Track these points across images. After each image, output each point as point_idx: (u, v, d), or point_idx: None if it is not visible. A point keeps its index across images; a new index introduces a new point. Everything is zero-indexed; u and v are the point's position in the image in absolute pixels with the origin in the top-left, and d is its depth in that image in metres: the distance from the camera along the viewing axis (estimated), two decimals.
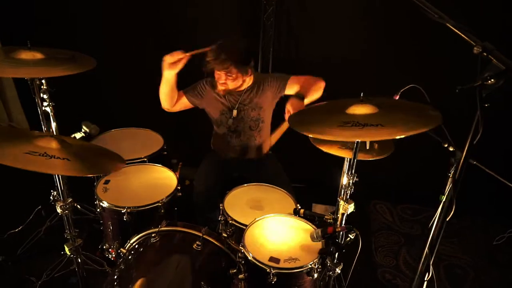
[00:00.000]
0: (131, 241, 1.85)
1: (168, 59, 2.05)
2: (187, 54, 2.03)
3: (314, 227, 1.71)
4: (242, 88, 2.25)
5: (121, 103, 3.25)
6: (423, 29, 2.38)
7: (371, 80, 2.79)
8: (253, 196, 2.08)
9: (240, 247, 1.61)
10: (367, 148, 1.76)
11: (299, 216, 1.88)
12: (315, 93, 2.15)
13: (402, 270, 2.48)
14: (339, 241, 1.50)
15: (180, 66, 2.06)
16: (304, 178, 3.19)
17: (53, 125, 2.06)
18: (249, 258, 1.55)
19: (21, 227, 2.53)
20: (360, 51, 2.81)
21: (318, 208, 3.06)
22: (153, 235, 1.74)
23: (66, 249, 1.70)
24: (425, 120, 1.32)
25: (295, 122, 1.45)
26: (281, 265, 1.50)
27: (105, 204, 1.96)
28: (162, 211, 2.01)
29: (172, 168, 2.51)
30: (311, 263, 1.50)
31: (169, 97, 2.24)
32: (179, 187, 2.11)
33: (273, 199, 2.07)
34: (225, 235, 1.94)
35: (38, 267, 2.30)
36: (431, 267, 1.57)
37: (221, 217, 2.01)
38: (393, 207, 3.09)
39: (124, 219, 1.93)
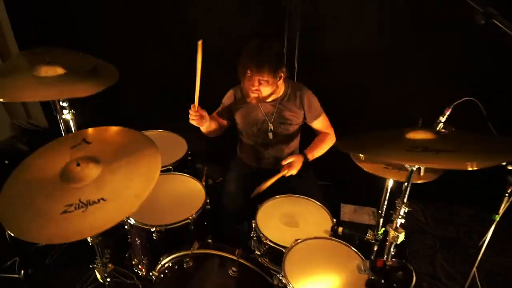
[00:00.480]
0: (162, 263, 1.77)
1: (193, 119, 1.94)
2: (196, 104, 1.89)
3: (359, 254, 1.60)
4: (275, 97, 2.11)
5: (137, 105, 3.16)
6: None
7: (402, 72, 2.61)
8: (286, 210, 1.98)
9: (281, 277, 1.51)
10: (421, 174, 1.61)
11: (338, 235, 1.78)
12: (322, 152, 2.22)
13: (440, 277, 2.37)
14: (389, 275, 1.38)
15: (205, 116, 1.96)
16: (331, 176, 3.08)
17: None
18: None
19: None
20: (394, 46, 2.61)
21: (347, 209, 2.95)
22: (186, 259, 1.65)
23: (98, 275, 1.63)
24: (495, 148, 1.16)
25: (355, 146, 1.28)
26: None
27: (132, 221, 1.88)
28: (192, 227, 1.93)
29: (197, 173, 2.43)
30: None
31: (215, 133, 2.21)
32: (208, 200, 2.01)
33: (307, 213, 1.96)
34: (259, 253, 1.86)
35: (68, 278, 2.27)
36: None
37: (253, 233, 1.92)
38: (426, 208, 2.96)
39: (154, 237, 1.86)
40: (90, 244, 1.52)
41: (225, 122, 2.24)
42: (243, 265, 1.67)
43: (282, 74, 2.00)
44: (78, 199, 1.27)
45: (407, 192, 1.34)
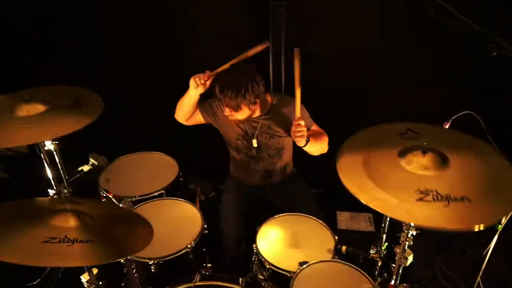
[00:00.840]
0: None
1: (195, 80, 1.92)
2: (213, 73, 1.94)
3: (367, 277, 1.57)
4: (257, 115, 2.06)
5: (125, 126, 3.06)
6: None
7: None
8: (286, 230, 1.93)
9: None
10: None
11: (342, 254, 1.75)
12: (319, 145, 2.04)
13: (441, 281, 2.38)
14: None
15: (206, 86, 1.94)
16: (322, 183, 3.05)
17: (60, 168, 1.92)
18: None
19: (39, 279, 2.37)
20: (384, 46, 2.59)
21: (343, 217, 2.92)
22: None
23: None
24: None
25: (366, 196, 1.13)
26: None
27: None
28: (191, 256, 1.86)
29: (191, 194, 2.37)
30: None
31: (187, 112, 2.11)
32: (205, 225, 1.95)
33: (308, 233, 1.92)
34: (261, 277, 1.81)
35: None
36: None
37: (255, 257, 1.87)
38: None
39: (152, 269, 1.79)
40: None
41: (199, 116, 2.17)
42: None
43: (256, 99, 1.93)
44: (64, 235, 1.20)
45: None
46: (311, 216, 1.99)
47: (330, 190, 3.08)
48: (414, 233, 1.34)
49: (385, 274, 1.77)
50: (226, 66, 1.92)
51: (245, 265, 2.03)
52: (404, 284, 1.34)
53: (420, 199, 1.03)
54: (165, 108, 2.46)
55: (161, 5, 2.72)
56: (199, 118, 2.18)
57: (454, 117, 1.44)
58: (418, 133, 1.28)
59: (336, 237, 1.86)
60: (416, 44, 2.45)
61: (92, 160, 2.18)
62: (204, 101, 2.14)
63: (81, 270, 1.48)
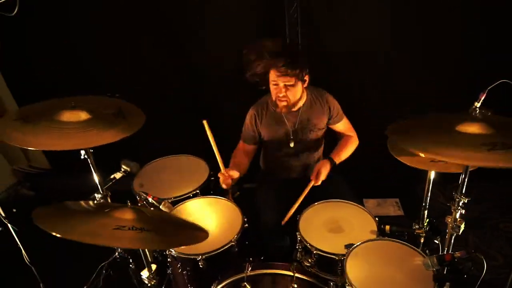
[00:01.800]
0: None
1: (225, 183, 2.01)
2: (222, 169, 2.01)
3: (417, 250, 1.59)
4: (300, 104, 2.10)
5: (150, 132, 3.09)
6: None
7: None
8: (327, 216, 1.96)
9: (347, 286, 1.50)
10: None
11: (386, 233, 1.78)
12: (348, 154, 2.21)
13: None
14: (459, 267, 1.38)
15: (235, 174, 2.03)
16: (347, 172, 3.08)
17: (96, 178, 1.95)
18: None
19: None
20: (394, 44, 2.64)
21: (370, 204, 2.96)
22: (242, 284, 1.61)
23: None
24: None
25: (418, 146, 1.24)
26: None
27: (174, 253, 1.83)
28: (236, 249, 1.89)
29: (224, 192, 2.39)
30: None
31: (246, 167, 2.23)
32: (245, 219, 1.98)
33: (349, 217, 1.95)
34: (308, 264, 1.84)
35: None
36: None
37: (298, 245, 1.90)
38: (444, 189, 2.98)
39: (200, 265, 1.81)
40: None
41: (252, 147, 2.23)
42: (300, 279, 1.64)
43: (307, 76, 1.98)
44: (132, 225, 1.24)
45: (465, 184, 1.35)
46: (349, 202, 2.02)
47: (353, 179, 3.12)
48: (466, 200, 1.37)
49: (427, 251, 1.80)
50: (219, 158, 1.99)
51: (288, 255, 2.06)
52: (461, 251, 1.36)
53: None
54: (187, 110, 2.52)
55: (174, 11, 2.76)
56: (252, 147, 2.26)
57: (490, 87, 1.48)
58: None
59: (377, 218, 1.89)
60: (417, 43, 2.52)
61: (124, 167, 2.21)
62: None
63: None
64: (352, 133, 2.25)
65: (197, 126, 2.25)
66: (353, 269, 1.54)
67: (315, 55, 2.74)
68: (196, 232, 1.43)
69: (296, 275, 1.64)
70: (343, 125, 2.21)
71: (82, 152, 1.95)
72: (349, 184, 2.27)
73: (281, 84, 1.93)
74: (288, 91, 1.95)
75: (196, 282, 1.91)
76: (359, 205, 2.00)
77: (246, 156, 2.21)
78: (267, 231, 2.12)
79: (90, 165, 2.08)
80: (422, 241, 1.87)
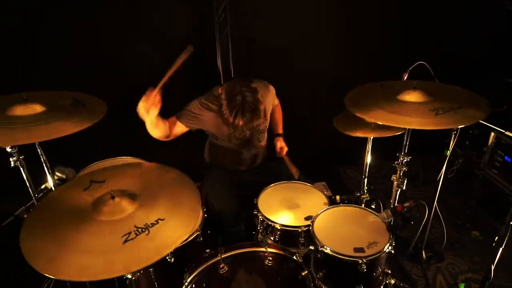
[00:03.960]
0: (189, 279, 1.71)
1: (143, 104, 1.81)
2: (157, 89, 1.80)
3: (367, 209, 1.84)
4: None
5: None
6: None
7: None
8: (281, 197, 2.11)
9: (321, 248, 1.65)
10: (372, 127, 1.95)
11: (337, 203, 2.00)
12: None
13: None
14: (408, 215, 1.65)
15: (158, 105, 1.84)
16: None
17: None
18: (333, 254, 1.61)
19: None
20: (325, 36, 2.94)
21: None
22: (221, 265, 1.65)
23: None
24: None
25: (376, 115, 1.50)
26: (368, 252, 1.60)
27: None
28: (201, 238, 1.91)
29: None
30: (389, 241, 1.64)
31: (161, 132, 2.01)
32: (205, 208, 2.02)
33: (301, 194, 2.13)
34: (271, 242, 1.95)
35: None
36: None
37: (259, 226, 2.00)
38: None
39: (168, 259, 1.78)
40: (131, 278, 1.40)
41: (181, 127, 2.12)
42: (272, 253, 1.75)
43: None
44: (133, 226, 1.20)
45: (407, 144, 1.63)
46: (298, 181, 2.20)
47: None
48: (408, 159, 1.65)
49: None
50: (165, 79, 1.77)
51: (245, 239, 2.15)
52: (409, 201, 1.64)
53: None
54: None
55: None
56: (180, 129, 2.11)
57: (410, 68, 1.81)
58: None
59: (326, 192, 2.11)
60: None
61: (58, 174, 2.03)
62: (179, 110, 2.12)
63: None
64: (277, 101, 2.44)
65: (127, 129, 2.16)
66: (320, 234, 1.72)
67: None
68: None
69: (269, 249, 1.73)
70: (274, 96, 2.35)
71: (12, 160, 1.79)
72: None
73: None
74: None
75: (164, 278, 1.86)
76: (307, 184, 2.19)
77: (169, 125, 2.08)
78: (224, 220, 2.17)
79: (23, 173, 1.89)
80: (363, 205, 2.15)
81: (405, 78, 1.85)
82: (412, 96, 1.54)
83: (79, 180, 1.43)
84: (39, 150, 1.56)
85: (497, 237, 1.43)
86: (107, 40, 2.68)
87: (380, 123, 1.41)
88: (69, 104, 1.49)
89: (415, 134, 1.92)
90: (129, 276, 1.41)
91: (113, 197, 1.28)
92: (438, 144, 2.01)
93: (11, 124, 1.33)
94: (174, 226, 1.24)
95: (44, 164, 1.61)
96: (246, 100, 1.87)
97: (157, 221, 1.23)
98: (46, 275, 1.02)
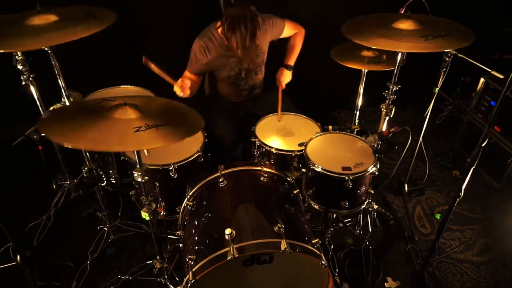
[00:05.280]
0: (191, 193, 1.89)
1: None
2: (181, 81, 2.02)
3: (358, 137, 1.99)
4: None
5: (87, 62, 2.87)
6: None
7: None
8: (278, 125, 2.25)
9: (312, 167, 1.82)
10: (384, 59, 2.04)
11: (330, 131, 2.15)
12: (298, 51, 2.41)
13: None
14: (394, 139, 1.81)
15: (189, 83, 2.03)
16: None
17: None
18: (323, 172, 1.78)
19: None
20: None
21: None
22: (220, 179, 1.81)
23: (145, 215, 1.68)
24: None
25: (370, 41, 1.60)
26: (354, 171, 1.77)
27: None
28: (202, 159, 2.07)
29: None
30: (373, 163, 1.80)
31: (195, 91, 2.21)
32: (206, 133, 2.15)
33: (296, 124, 2.27)
34: (267, 163, 2.11)
35: (71, 246, 2.24)
36: None
37: (256, 151, 2.16)
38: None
39: (171, 175, 1.95)
40: (140, 181, 1.55)
41: (200, 77, 2.28)
42: (267, 171, 1.91)
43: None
44: (144, 123, 1.33)
45: (397, 74, 1.75)
46: (294, 113, 2.34)
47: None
48: (397, 88, 1.78)
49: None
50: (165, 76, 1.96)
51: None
52: (395, 127, 1.78)
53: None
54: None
55: None
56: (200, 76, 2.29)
57: (407, 3, 1.88)
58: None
59: (319, 123, 2.25)
60: None
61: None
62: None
63: None
64: (297, 29, 2.41)
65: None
66: (312, 155, 1.88)
67: None
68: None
69: (264, 168, 1.89)
70: (288, 30, 2.37)
71: (23, 78, 1.88)
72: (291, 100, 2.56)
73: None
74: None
75: (166, 192, 2.04)
76: (302, 115, 2.33)
77: (195, 82, 2.27)
78: (222, 145, 2.32)
79: (34, 92, 1.99)
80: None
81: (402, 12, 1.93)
82: (405, 25, 1.64)
83: (92, 99, 1.53)
84: (53, 61, 1.64)
85: (469, 159, 1.58)
86: None
87: (374, 48, 1.51)
88: (82, 15, 1.57)
89: (409, 81, 2.01)
90: (139, 179, 1.56)
91: (125, 104, 1.40)
92: (429, 93, 2.11)
93: (27, 33, 1.41)
94: (181, 128, 1.38)
95: (58, 78, 1.70)
96: (245, 14, 1.93)
97: (165, 123, 1.36)
98: (63, 143, 1.15)
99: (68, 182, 2.36)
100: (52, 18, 1.49)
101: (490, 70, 2.08)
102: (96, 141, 1.20)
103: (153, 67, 1.85)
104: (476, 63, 1.91)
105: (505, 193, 2.63)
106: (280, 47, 2.50)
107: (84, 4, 1.73)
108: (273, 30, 2.32)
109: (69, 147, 1.17)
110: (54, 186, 2.42)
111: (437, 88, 2.15)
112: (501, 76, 2.22)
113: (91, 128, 1.26)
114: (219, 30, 2.10)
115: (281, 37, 2.40)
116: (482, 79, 2.75)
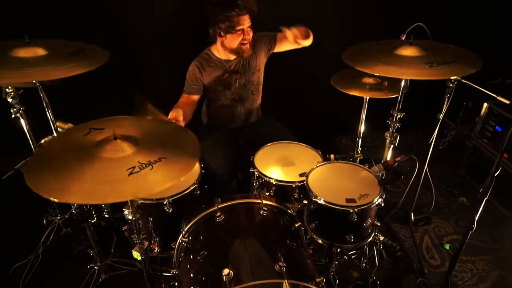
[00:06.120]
0: (186, 229, 1.78)
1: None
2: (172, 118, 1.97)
3: (363, 167, 1.90)
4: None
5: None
6: None
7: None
8: (278, 155, 2.17)
9: (314, 199, 1.72)
10: (386, 86, 1.98)
11: (332, 161, 2.06)
12: (307, 37, 2.12)
13: None
14: (399, 169, 1.72)
15: (181, 115, 1.99)
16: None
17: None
18: (326, 204, 1.68)
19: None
20: None
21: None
22: (217, 214, 1.71)
23: (137, 255, 1.57)
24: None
25: (373, 68, 1.54)
26: (359, 203, 1.67)
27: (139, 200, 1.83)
28: (198, 191, 1.97)
29: None
30: (379, 194, 1.71)
31: (190, 116, 2.22)
32: (202, 165, 2.07)
33: (296, 153, 2.18)
34: (266, 195, 2.01)
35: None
36: None
37: (255, 182, 2.07)
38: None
39: (166, 210, 1.85)
40: (131, 218, 1.46)
41: (196, 97, 2.27)
42: (267, 205, 1.81)
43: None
44: (137, 162, 1.25)
45: (401, 101, 1.68)
46: (293, 142, 2.26)
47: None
48: (401, 115, 1.71)
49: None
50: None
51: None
52: (400, 156, 1.70)
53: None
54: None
55: None
56: (196, 100, 2.29)
57: (408, 29, 1.84)
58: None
59: (320, 152, 2.16)
60: None
61: (58, 127, 2.07)
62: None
63: None
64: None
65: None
66: (314, 186, 1.78)
67: None
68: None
69: (263, 201, 1.80)
70: (283, 33, 2.13)
71: (13, 110, 1.83)
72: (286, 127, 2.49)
73: (246, 26, 2.06)
74: (249, 31, 2.11)
75: (160, 227, 1.93)
76: (302, 144, 2.25)
77: (189, 106, 2.24)
78: (219, 177, 2.23)
79: (24, 125, 1.92)
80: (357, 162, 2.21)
81: (403, 39, 1.88)
82: (408, 51, 1.59)
83: (79, 128, 1.45)
84: (41, 94, 1.58)
85: (481, 189, 1.49)
86: None
87: (377, 75, 1.45)
88: (72, 51, 1.51)
89: (411, 105, 1.96)
90: (130, 217, 1.47)
91: (115, 138, 1.32)
92: (433, 118, 2.05)
93: (10, 64, 1.35)
94: (177, 163, 1.29)
95: (47, 110, 1.63)
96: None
97: (159, 159, 1.28)
98: (52, 199, 1.06)
99: (58, 218, 2.25)
100: (40, 51, 1.44)
101: (495, 96, 2.02)
102: (87, 194, 1.10)
103: (149, 108, 1.80)
104: (481, 89, 1.85)
105: None
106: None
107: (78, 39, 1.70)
108: (264, 46, 2.30)
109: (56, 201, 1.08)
110: (44, 222, 2.30)
111: (441, 114, 2.09)
112: (507, 102, 2.17)
113: (80, 175, 1.17)
114: (213, 48, 2.18)
115: (276, 50, 2.35)
116: (485, 104, 2.69)
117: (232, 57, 2.24)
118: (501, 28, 3.13)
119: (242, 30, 2.07)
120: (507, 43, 3.07)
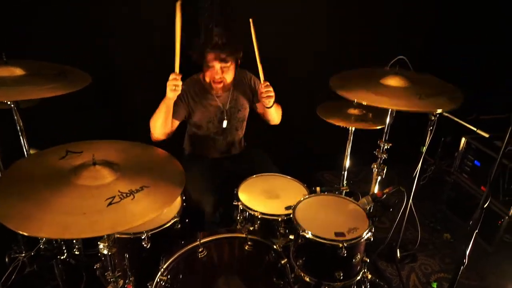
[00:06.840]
0: (165, 266, 1.66)
1: (174, 85, 1.87)
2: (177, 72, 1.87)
3: (348, 198, 1.86)
4: (231, 84, 2.20)
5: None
6: None
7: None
8: (262, 187, 2.10)
9: (302, 233, 1.65)
10: (370, 117, 1.99)
11: (318, 193, 2.01)
12: (277, 113, 2.28)
13: None
14: (387, 201, 1.68)
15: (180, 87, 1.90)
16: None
17: None
18: (314, 238, 1.61)
19: None
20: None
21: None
22: (199, 249, 1.61)
23: None
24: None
25: (362, 96, 1.54)
26: (349, 236, 1.61)
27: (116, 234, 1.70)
28: (179, 226, 1.86)
29: None
30: (368, 227, 1.65)
31: (167, 123, 2.06)
32: (184, 197, 1.97)
33: (282, 185, 2.13)
34: (252, 229, 1.92)
35: None
36: None
37: (239, 216, 1.98)
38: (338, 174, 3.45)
39: (144, 245, 1.72)
40: (107, 253, 1.34)
41: (176, 122, 2.19)
42: (252, 239, 1.72)
43: (239, 56, 2.09)
44: (117, 191, 1.16)
45: (388, 132, 1.67)
46: (277, 174, 2.21)
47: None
48: (389, 146, 1.70)
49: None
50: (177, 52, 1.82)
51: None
52: (389, 187, 1.67)
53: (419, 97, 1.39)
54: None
55: None
56: (175, 122, 2.16)
57: (391, 62, 1.88)
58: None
59: (305, 185, 2.12)
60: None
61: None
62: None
63: None
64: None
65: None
66: (301, 220, 1.71)
67: None
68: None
69: (248, 236, 1.71)
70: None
71: None
72: (270, 159, 2.45)
73: (218, 67, 2.02)
74: (224, 73, 2.06)
75: (137, 264, 1.79)
76: (286, 176, 2.20)
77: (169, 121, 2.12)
78: (202, 209, 2.13)
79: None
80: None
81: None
82: (395, 81, 1.61)
83: (55, 150, 1.36)
84: (15, 117, 1.48)
85: (471, 221, 1.47)
86: None
87: (365, 103, 1.45)
88: (53, 73, 1.45)
89: (393, 141, 1.98)
90: (105, 252, 1.35)
91: (94, 164, 1.23)
92: (414, 153, 2.07)
93: None
94: (160, 193, 1.21)
95: (20, 135, 1.52)
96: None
97: (142, 187, 1.19)
98: (21, 232, 0.95)
99: (23, 255, 2.06)
100: (18, 71, 1.36)
101: (475, 129, 2.06)
102: (61, 227, 0.99)
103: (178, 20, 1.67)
104: (463, 123, 1.89)
105: (498, 256, 2.50)
106: None
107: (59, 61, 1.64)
108: (252, 84, 2.28)
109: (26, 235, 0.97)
110: (6, 260, 2.10)
111: (424, 147, 2.10)
112: (487, 135, 2.22)
113: (54, 205, 1.06)
114: (201, 75, 2.14)
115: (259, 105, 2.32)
116: (463, 139, 2.74)
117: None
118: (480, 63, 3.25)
119: (213, 67, 2.04)
120: (482, 79, 3.19)
